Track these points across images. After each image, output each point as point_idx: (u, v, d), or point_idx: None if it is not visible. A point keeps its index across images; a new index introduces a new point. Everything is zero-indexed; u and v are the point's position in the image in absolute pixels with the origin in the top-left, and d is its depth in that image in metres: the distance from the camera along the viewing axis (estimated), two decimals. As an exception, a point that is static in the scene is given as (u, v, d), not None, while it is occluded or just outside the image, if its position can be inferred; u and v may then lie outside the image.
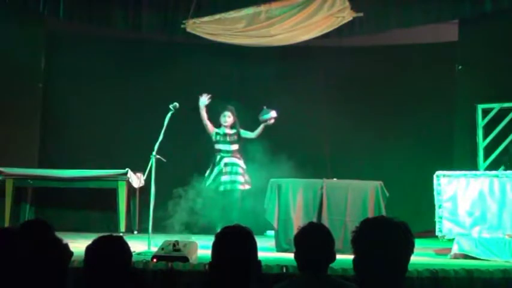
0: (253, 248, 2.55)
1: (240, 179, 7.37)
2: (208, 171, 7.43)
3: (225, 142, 7.47)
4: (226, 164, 7.37)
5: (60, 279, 2.48)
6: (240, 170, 7.40)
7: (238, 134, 7.50)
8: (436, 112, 8.33)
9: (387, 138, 8.44)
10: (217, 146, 7.48)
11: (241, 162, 7.45)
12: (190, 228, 7.92)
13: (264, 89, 8.45)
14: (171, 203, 7.50)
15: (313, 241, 2.95)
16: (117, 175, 7.56)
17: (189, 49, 8.59)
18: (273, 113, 7.41)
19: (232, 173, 7.36)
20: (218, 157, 7.42)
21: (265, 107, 7.43)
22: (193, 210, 7.56)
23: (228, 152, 7.45)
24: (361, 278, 2.18)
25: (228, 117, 7.46)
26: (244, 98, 8.04)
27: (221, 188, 7.33)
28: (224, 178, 7.32)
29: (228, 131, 7.49)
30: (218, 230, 6.73)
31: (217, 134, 7.49)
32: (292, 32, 7.89)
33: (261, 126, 7.43)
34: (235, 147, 7.48)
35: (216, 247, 2.54)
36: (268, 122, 7.41)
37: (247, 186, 7.40)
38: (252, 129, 7.56)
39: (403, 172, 8.28)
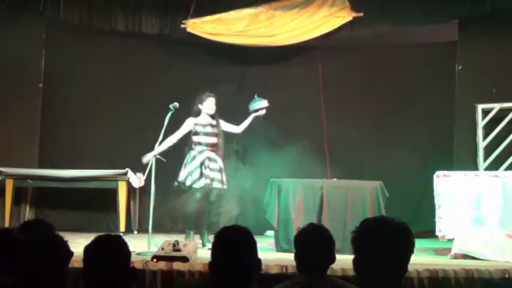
0: (253, 247, 2.56)
1: (218, 176, 6.65)
2: (183, 168, 6.70)
3: (207, 134, 6.71)
4: (209, 159, 6.64)
5: (60, 279, 2.48)
6: (217, 167, 6.70)
7: (219, 126, 6.79)
8: (436, 112, 8.33)
9: (387, 138, 8.44)
10: (197, 138, 6.69)
11: (219, 159, 6.72)
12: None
13: (263, 88, 8.44)
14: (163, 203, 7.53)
15: (313, 242, 2.96)
16: (117, 175, 7.57)
17: (189, 49, 8.60)
18: (264, 103, 6.83)
19: (212, 169, 6.64)
20: (197, 150, 6.66)
21: (256, 95, 6.92)
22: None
23: (209, 145, 6.70)
24: (361, 278, 2.18)
25: (213, 105, 6.75)
26: (244, 98, 8.03)
27: (197, 185, 6.60)
28: (207, 173, 6.59)
29: (211, 121, 6.76)
30: (190, 230, 6.37)
31: (197, 124, 6.71)
32: (292, 32, 7.89)
33: (250, 118, 6.85)
34: (215, 140, 6.74)
35: (215, 247, 2.54)
36: (259, 112, 6.84)
37: (224, 186, 6.70)
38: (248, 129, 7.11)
39: (403, 172, 8.28)
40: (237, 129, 6.94)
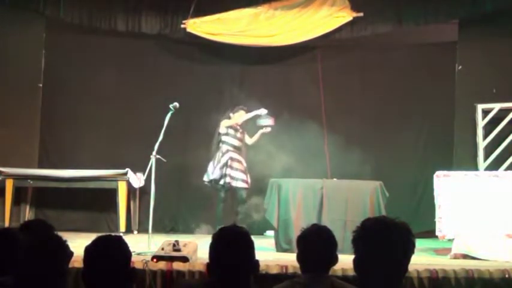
0: (250, 248, 2.55)
1: (243, 176, 7.38)
2: (211, 164, 7.40)
3: (234, 137, 7.47)
4: (232, 159, 7.36)
5: (60, 279, 2.48)
6: (243, 168, 7.41)
7: (243, 133, 7.58)
8: (436, 112, 8.33)
9: (387, 138, 8.45)
10: (226, 139, 7.44)
11: (243, 160, 7.47)
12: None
13: (264, 88, 8.46)
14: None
15: (316, 243, 2.96)
16: (117, 175, 7.57)
17: (189, 49, 8.60)
18: (271, 121, 7.45)
19: (238, 169, 7.35)
20: (224, 149, 7.39)
21: (264, 113, 7.45)
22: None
23: (235, 147, 7.46)
24: (361, 278, 2.18)
25: (242, 117, 7.48)
26: (244, 98, 8.05)
27: (222, 182, 7.32)
28: (229, 172, 7.30)
29: (238, 127, 7.52)
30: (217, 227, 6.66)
31: (228, 127, 7.47)
32: (292, 32, 7.88)
33: (259, 133, 7.53)
34: (240, 144, 7.51)
35: (213, 248, 2.53)
36: (264, 129, 7.46)
37: (248, 186, 7.42)
38: (249, 129, 7.66)
39: (403, 172, 8.28)
40: (249, 140, 7.62)
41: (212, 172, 7.35)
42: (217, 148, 7.45)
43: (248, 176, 7.43)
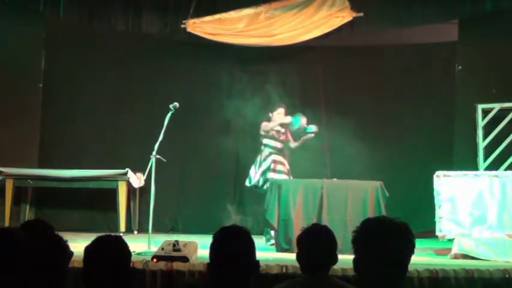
0: (251, 248, 2.55)
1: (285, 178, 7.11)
2: (253, 168, 7.18)
3: (276, 139, 7.21)
4: (275, 162, 7.10)
5: (60, 279, 2.48)
6: (286, 170, 7.17)
7: (286, 134, 7.30)
8: (436, 112, 8.33)
9: (387, 138, 8.44)
10: (266, 141, 7.19)
11: (286, 163, 7.22)
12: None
13: (263, 88, 8.45)
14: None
15: (316, 243, 2.95)
16: (117, 175, 7.57)
17: (189, 49, 8.59)
18: (316, 128, 7.24)
19: (282, 172, 7.11)
20: (266, 152, 7.13)
21: (308, 126, 7.22)
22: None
23: (277, 149, 7.20)
24: (361, 278, 2.18)
25: (283, 114, 7.22)
26: (245, 98, 8.05)
27: (266, 187, 6.93)
28: (271, 175, 7.01)
29: (280, 128, 7.25)
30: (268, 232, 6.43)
31: (272, 129, 7.22)
32: (292, 32, 7.89)
33: (302, 139, 7.27)
34: (282, 145, 7.25)
35: (213, 247, 2.53)
36: (307, 136, 7.23)
37: None
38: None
39: (403, 172, 8.28)
40: (292, 144, 7.33)
41: (254, 177, 7.13)
42: (259, 151, 7.21)
43: (291, 178, 7.15)
